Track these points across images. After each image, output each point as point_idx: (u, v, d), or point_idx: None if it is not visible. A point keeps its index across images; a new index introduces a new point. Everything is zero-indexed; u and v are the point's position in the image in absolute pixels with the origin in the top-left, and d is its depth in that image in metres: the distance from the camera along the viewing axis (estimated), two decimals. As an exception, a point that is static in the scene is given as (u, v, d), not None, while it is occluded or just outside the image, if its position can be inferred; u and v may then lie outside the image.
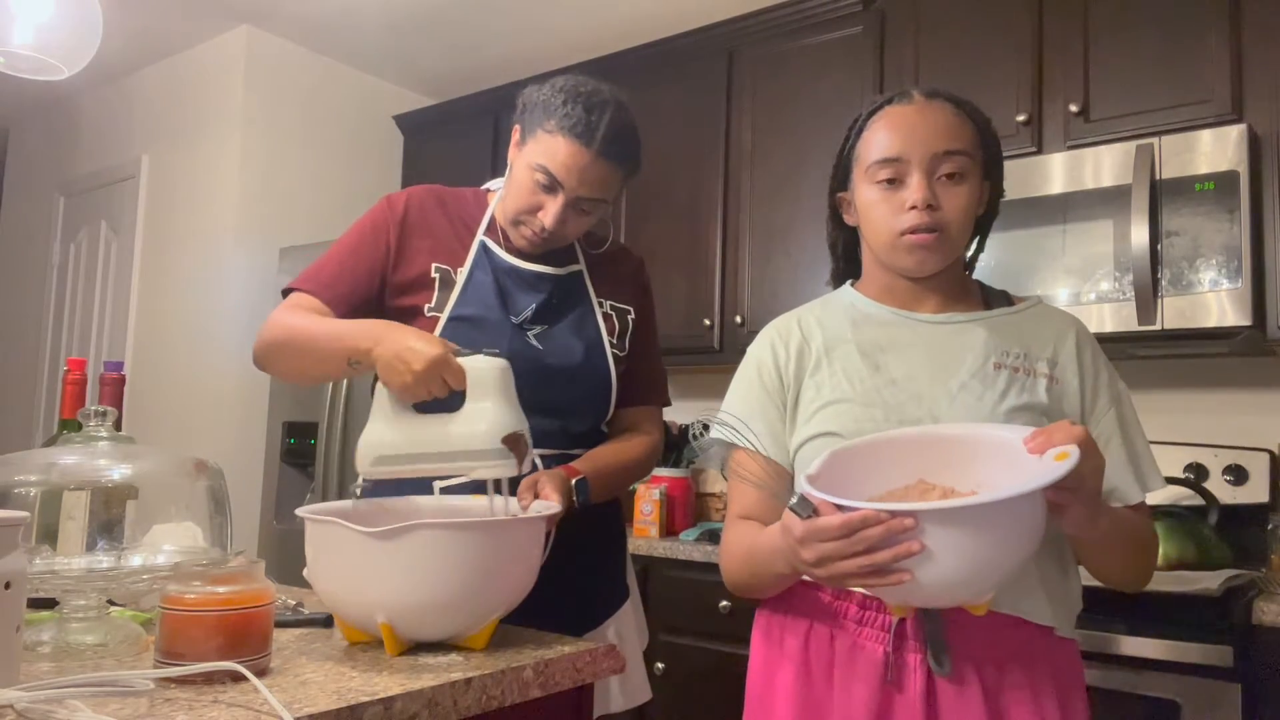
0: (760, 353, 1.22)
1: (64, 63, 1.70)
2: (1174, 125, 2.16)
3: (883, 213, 1.13)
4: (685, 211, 2.99)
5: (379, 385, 1.23)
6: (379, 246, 1.42)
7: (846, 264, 1.29)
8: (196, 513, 1.15)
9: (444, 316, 1.39)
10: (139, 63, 3.85)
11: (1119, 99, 2.25)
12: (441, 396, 1.19)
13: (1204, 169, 2.05)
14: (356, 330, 1.27)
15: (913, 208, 1.10)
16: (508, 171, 1.43)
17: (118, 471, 1.11)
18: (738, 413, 1.20)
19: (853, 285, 1.26)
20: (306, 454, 3.23)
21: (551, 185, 1.34)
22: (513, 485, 1.30)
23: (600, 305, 1.48)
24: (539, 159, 1.33)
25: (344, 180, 3.77)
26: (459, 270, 1.42)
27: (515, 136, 1.40)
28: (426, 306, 1.40)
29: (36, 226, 4.39)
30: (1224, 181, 2.02)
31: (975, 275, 1.28)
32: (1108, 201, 2.15)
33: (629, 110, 1.38)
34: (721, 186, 2.92)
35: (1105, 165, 2.16)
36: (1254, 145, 2.05)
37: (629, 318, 1.51)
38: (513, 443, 1.18)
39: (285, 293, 1.42)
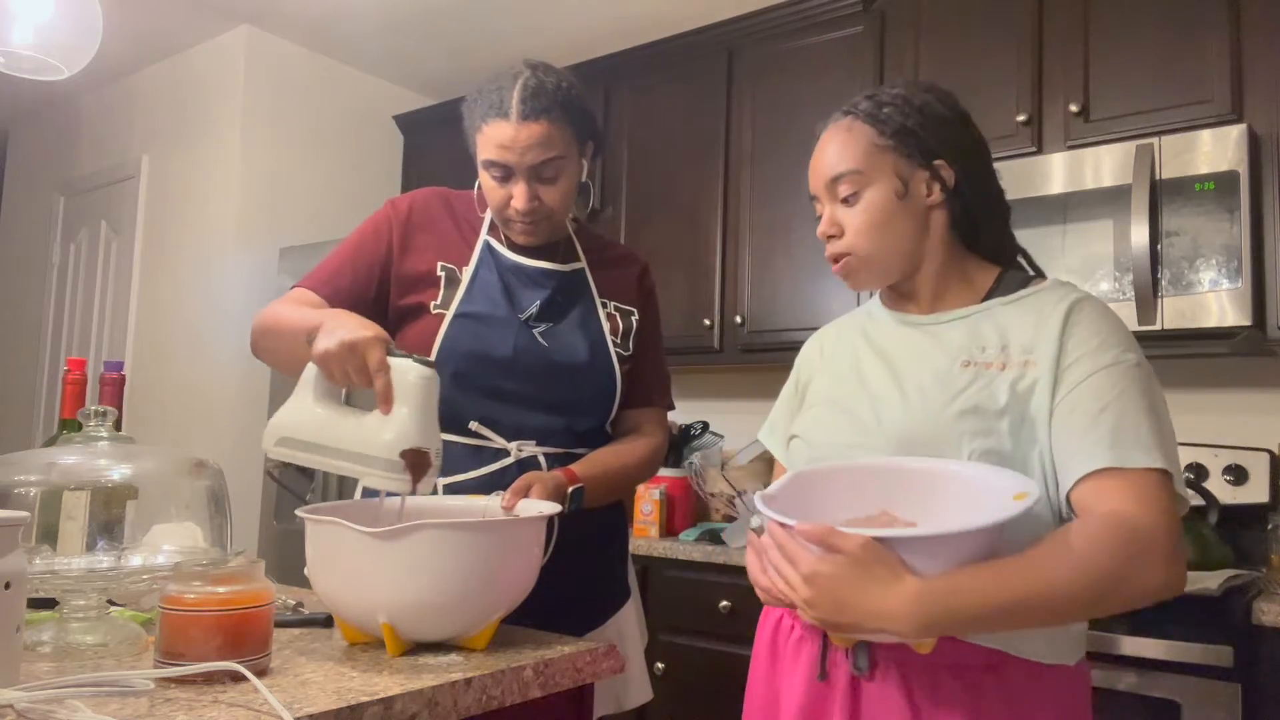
0: (797, 360, 1.31)
1: (64, 63, 1.70)
2: (1174, 125, 2.16)
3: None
4: (685, 211, 2.99)
5: (308, 365, 1.17)
6: (380, 245, 1.43)
7: None
8: (196, 513, 1.15)
9: (450, 313, 1.40)
10: (139, 63, 3.85)
11: (1119, 99, 2.25)
12: (361, 385, 1.13)
13: (1204, 169, 2.05)
14: (318, 314, 1.24)
15: (821, 239, 1.16)
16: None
17: (118, 471, 1.11)
18: (774, 417, 1.30)
19: None
20: (306, 454, 3.22)
21: (504, 172, 1.36)
22: (476, 491, 1.31)
23: (604, 305, 1.49)
24: (483, 155, 1.37)
25: (344, 180, 3.77)
26: (464, 269, 1.43)
27: (474, 155, 1.42)
28: (433, 304, 1.41)
29: (36, 226, 4.39)
30: (1224, 181, 2.02)
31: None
32: (1108, 201, 2.15)
33: (548, 69, 1.38)
34: (721, 186, 2.92)
35: (1105, 165, 2.16)
36: (1254, 145, 2.05)
37: (632, 318, 1.52)
38: (413, 459, 1.09)
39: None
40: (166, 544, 1.12)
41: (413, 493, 1.11)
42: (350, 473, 1.11)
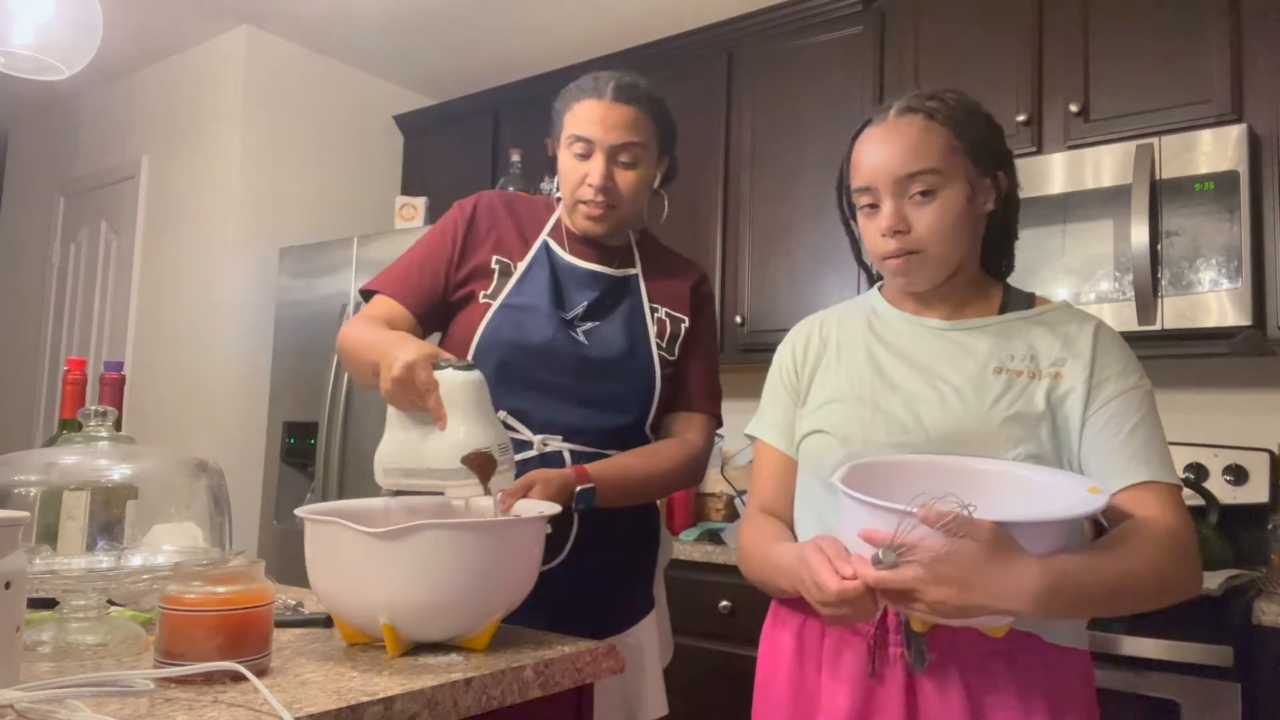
0: (782, 351, 1.29)
1: (64, 63, 1.70)
2: (1174, 125, 2.16)
3: (868, 237, 1.17)
4: (685, 211, 2.99)
5: None
6: (446, 245, 1.48)
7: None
8: (196, 513, 1.15)
9: (496, 304, 1.44)
10: (139, 63, 3.85)
11: (1119, 99, 2.25)
12: (422, 407, 1.16)
13: (1204, 169, 2.05)
14: (381, 341, 1.27)
15: (884, 234, 1.13)
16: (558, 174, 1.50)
17: (118, 471, 1.11)
18: (764, 407, 1.28)
19: (879, 289, 1.28)
20: (306, 454, 3.23)
21: (586, 148, 1.42)
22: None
23: (655, 310, 1.51)
24: (569, 131, 1.43)
25: (344, 180, 3.77)
26: (519, 264, 1.47)
27: (557, 144, 1.48)
28: (482, 294, 1.45)
29: (36, 226, 4.39)
30: (1224, 181, 2.02)
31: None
32: (1108, 201, 2.15)
33: (641, 76, 1.48)
34: (721, 186, 2.92)
35: (1105, 165, 2.16)
36: (1254, 145, 2.05)
37: (682, 326, 1.52)
38: (474, 462, 1.12)
39: (364, 293, 1.48)
40: (166, 544, 1.12)
41: (487, 493, 1.14)
42: (431, 488, 1.16)
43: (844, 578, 0.94)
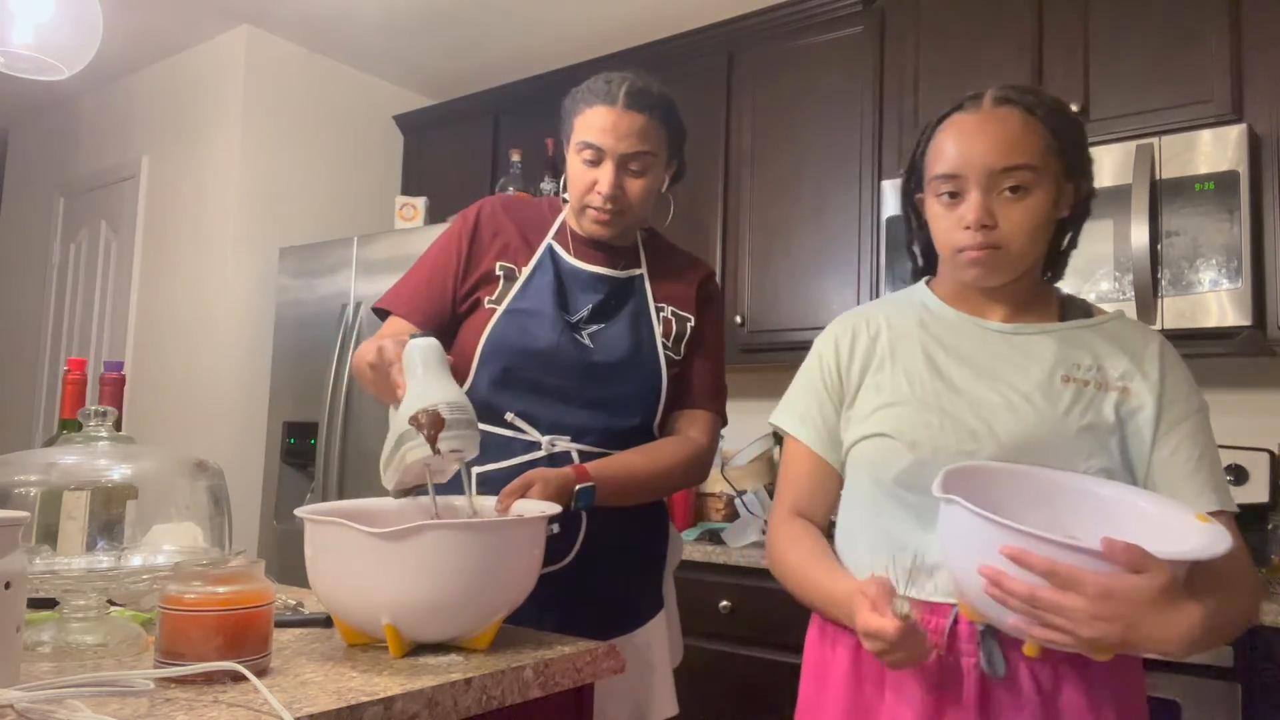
0: (824, 349, 1.22)
1: (64, 63, 1.71)
2: (1174, 125, 2.16)
3: (943, 227, 1.12)
4: (685, 211, 2.98)
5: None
6: (451, 259, 1.48)
7: (926, 261, 1.25)
8: (196, 513, 1.15)
9: (501, 309, 1.43)
10: (139, 63, 3.85)
11: (1119, 99, 2.25)
12: (399, 381, 1.17)
13: (1204, 169, 2.05)
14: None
15: (968, 227, 1.08)
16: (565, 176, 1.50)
17: (118, 471, 1.11)
18: (798, 405, 1.22)
19: (928, 284, 1.24)
20: (306, 454, 3.23)
21: (596, 155, 1.41)
22: (505, 481, 1.28)
23: (661, 310, 1.50)
24: (579, 138, 1.42)
25: (344, 180, 3.77)
26: (523, 268, 1.47)
27: (565, 145, 1.47)
28: (487, 299, 1.45)
29: (36, 226, 4.39)
30: (1224, 181, 2.02)
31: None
32: (1108, 201, 2.15)
33: (652, 78, 1.46)
34: (721, 186, 2.92)
35: (1105, 165, 2.16)
36: (1254, 145, 2.05)
37: (688, 325, 1.52)
38: (420, 420, 1.10)
39: (377, 311, 1.49)
40: (166, 544, 1.12)
41: (436, 452, 1.11)
42: (399, 460, 1.14)
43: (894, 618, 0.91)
